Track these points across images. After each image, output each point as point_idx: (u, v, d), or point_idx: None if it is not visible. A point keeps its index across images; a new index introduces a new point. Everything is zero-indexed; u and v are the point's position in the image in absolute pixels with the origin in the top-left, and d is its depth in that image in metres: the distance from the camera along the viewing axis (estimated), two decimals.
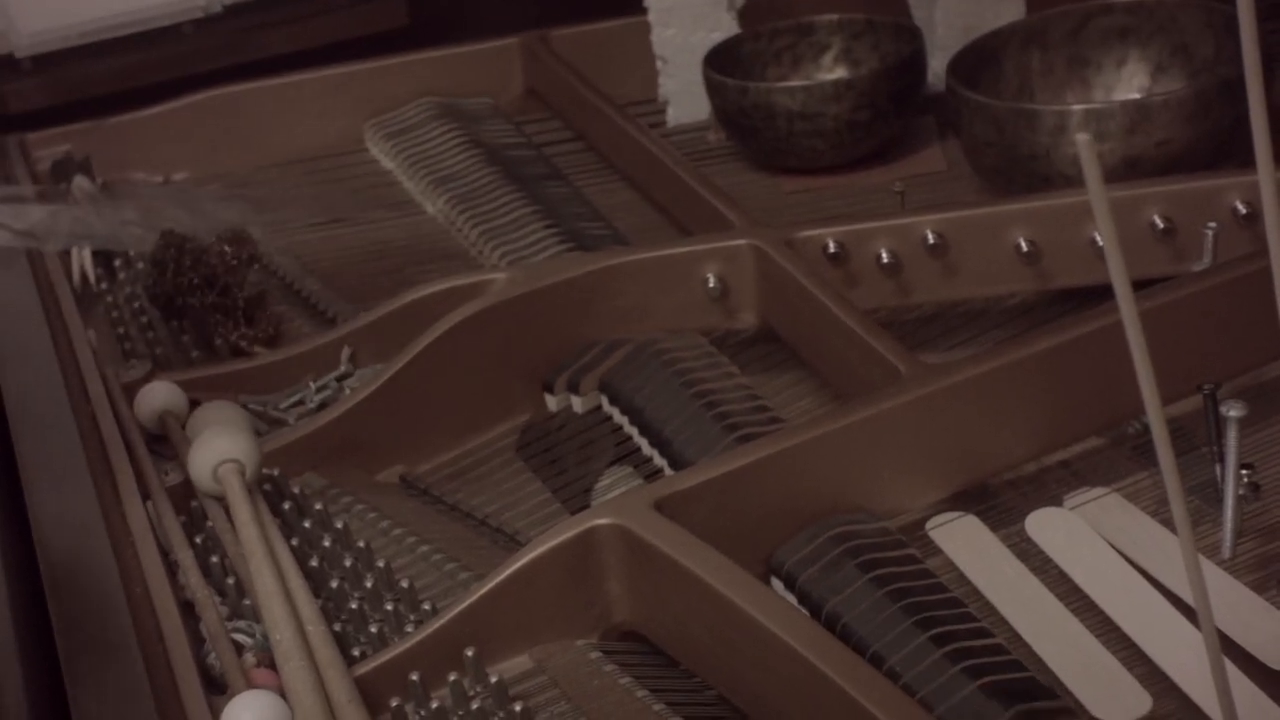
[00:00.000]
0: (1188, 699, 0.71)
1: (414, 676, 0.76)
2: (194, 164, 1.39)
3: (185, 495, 0.92)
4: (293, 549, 0.86)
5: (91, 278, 1.21)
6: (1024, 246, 1.00)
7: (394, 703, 0.75)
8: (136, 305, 1.18)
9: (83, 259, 1.22)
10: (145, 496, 0.90)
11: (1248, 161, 0.55)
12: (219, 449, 0.89)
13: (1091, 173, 0.47)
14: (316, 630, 0.78)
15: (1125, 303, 0.50)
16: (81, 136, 1.40)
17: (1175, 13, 1.16)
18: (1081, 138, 0.46)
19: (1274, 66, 1.03)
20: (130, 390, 1.01)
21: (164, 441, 0.98)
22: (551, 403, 1.02)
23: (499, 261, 1.17)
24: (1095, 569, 0.80)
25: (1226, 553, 0.80)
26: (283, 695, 0.74)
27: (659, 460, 0.94)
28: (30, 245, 1.20)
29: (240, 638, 0.80)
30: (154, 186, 1.37)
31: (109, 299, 1.20)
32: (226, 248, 1.12)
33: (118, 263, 1.24)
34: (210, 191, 1.35)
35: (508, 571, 0.78)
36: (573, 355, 1.03)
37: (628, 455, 0.97)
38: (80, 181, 1.32)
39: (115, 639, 0.76)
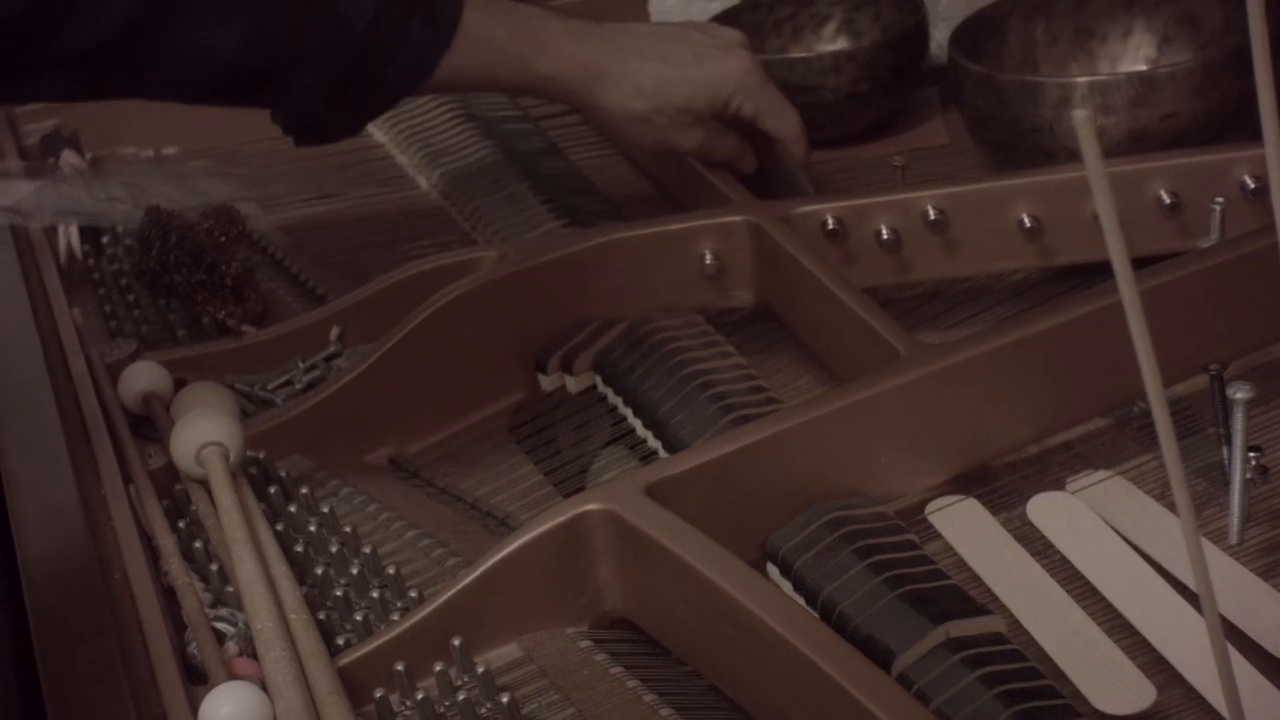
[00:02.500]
0: (1193, 690, 0.70)
1: (399, 666, 0.74)
2: (185, 139, 1.37)
3: (170, 479, 0.90)
4: (277, 534, 0.85)
5: (78, 254, 1.20)
6: (1027, 222, 0.98)
7: (378, 694, 0.73)
8: (123, 283, 1.16)
9: (69, 236, 1.20)
10: (127, 480, 0.89)
11: (1257, 135, 0.53)
12: (202, 431, 0.87)
13: (1089, 150, 0.45)
14: (299, 619, 0.76)
15: (1125, 283, 0.48)
16: (70, 111, 1.38)
17: None
18: (1079, 114, 0.44)
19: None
20: (114, 370, 0.99)
21: (150, 423, 0.96)
22: (545, 383, 1.00)
23: (492, 238, 1.15)
24: (1098, 554, 0.78)
25: (1234, 538, 0.78)
26: (264, 686, 0.72)
27: (653, 442, 0.92)
28: (15, 222, 1.18)
29: (222, 626, 0.78)
30: (143, 162, 1.35)
31: (96, 276, 1.18)
32: (213, 224, 1.10)
33: (105, 239, 1.22)
34: (200, 167, 1.33)
35: (495, 558, 0.76)
36: (566, 334, 1.00)
37: (624, 436, 0.95)
38: (68, 156, 1.31)
39: (92, 627, 0.74)
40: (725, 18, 1.29)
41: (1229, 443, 0.79)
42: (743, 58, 1.07)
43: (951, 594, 0.73)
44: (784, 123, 1.08)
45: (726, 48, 1.07)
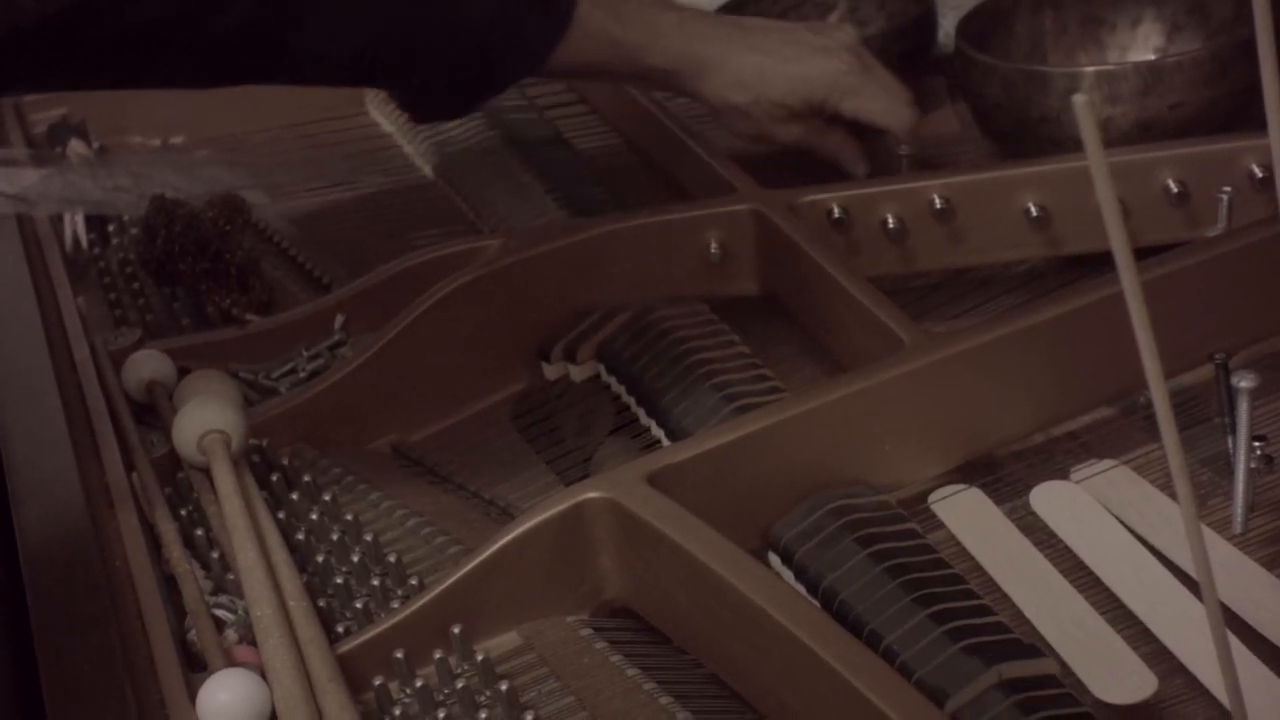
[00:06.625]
0: (1196, 680, 0.69)
1: (398, 654, 0.74)
2: (192, 127, 1.37)
3: (172, 467, 0.90)
4: (279, 522, 0.84)
5: (84, 243, 1.19)
6: (1034, 211, 0.98)
7: (377, 681, 0.73)
8: (129, 271, 1.16)
9: (75, 224, 1.20)
10: (130, 468, 0.88)
11: (1265, 124, 0.52)
12: (204, 419, 0.87)
13: (1090, 136, 0.44)
14: (299, 606, 0.76)
15: (1126, 272, 0.48)
16: (78, 99, 1.38)
17: None
18: (1078, 99, 0.44)
19: None
20: (118, 358, 0.99)
21: (153, 411, 0.96)
22: (548, 371, 1.00)
23: (497, 226, 1.15)
24: (1102, 544, 0.78)
25: (1238, 528, 0.78)
26: (264, 674, 0.72)
27: (656, 431, 0.92)
28: (21, 210, 1.18)
29: (222, 613, 0.78)
30: (150, 151, 1.35)
31: (101, 265, 1.18)
32: (218, 213, 1.10)
33: (111, 228, 1.22)
34: (206, 156, 1.33)
35: (495, 546, 0.76)
36: (570, 323, 1.00)
37: (627, 425, 0.95)
38: (75, 145, 1.31)
39: (92, 614, 0.74)
40: (732, 7, 1.28)
41: (1233, 432, 0.79)
42: (844, 59, 1.08)
43: (956, 588, 0.73)
44: (889, 121, 1.09)
45: (830, 49, 1.08)
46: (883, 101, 1.08)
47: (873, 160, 1.15)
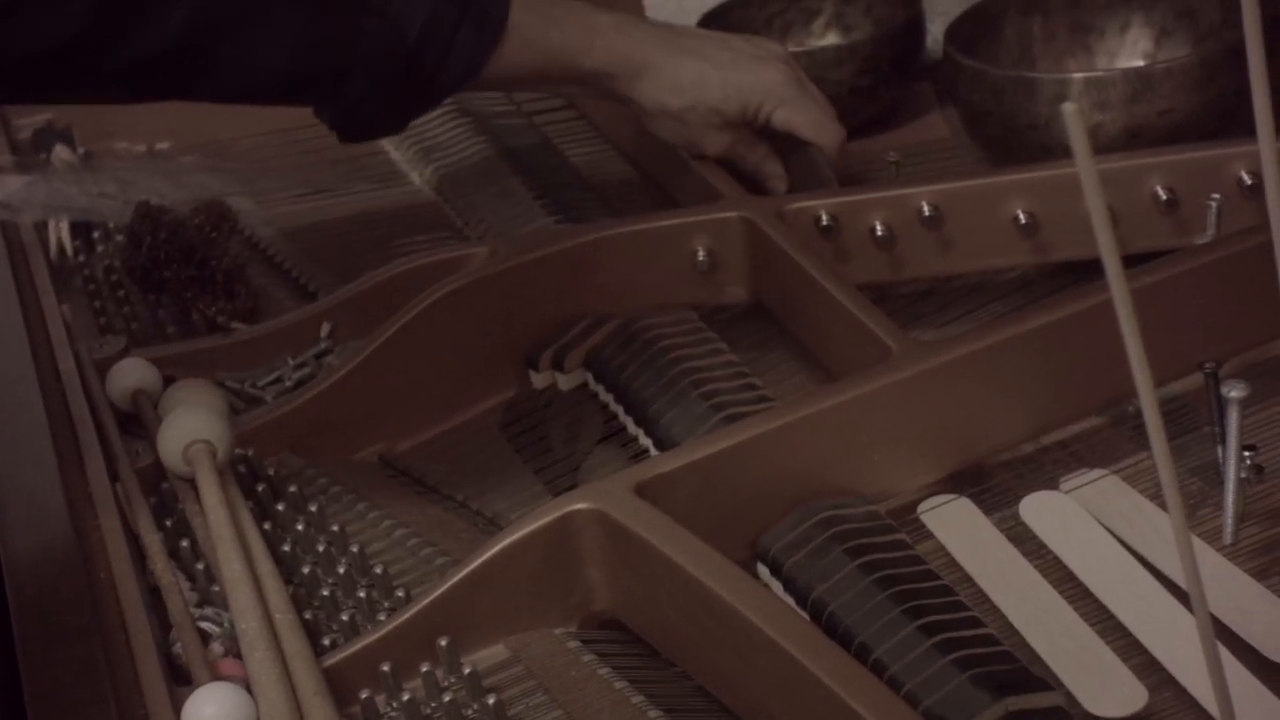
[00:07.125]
0: (1186, 692, 0.69)
1: (385, 667, 0.73)
2: (178, 133, 1.36)
3: (157, 477, 0.89)
4: (264, 533, 0.84)
5: (69, 250, 1.19)
6: (1022, 218, 0.97)
7: (364, 694, 0.72)
8: (114, 279, 1.15)
9: (60, 231, 1.19)
10: (114, 478, 0.88)
11: (1254, 130, 0.52)
12: (189, 429, 0.87)
13: (1079, 145, 0.44)
14: (285, 618, 0.75)
15: (1115, 280, 0.47)
16: (63, 106, 1.37)
17: None
18: (1068, 108, 0.43)
19: (1278, 30, 1.00)
20: (103, 367, 0.98)
21: (138, 421, 0.96)
22: (536, 380, 1.00)
23: (485, 234, 1.15)
24: (1091, 555, 0.77)
25: (1228, 538, 0.77)
26: (249, 687, 0.72)
27: (645, 440, 0.91)
28: (5, 216, 1.18)
29: (207, 626, 0.77)
30: (136, 157, 1.34)
31: (86, 272, 1.17)
32: (203, 219, 1.09)
33: (96, 235, 1.21)
34: (193, 162, 1.32)
35: (482, 558, 0.75)
36: (558, 331, 1.00)
37: (615, 434, 0.94)
38: (60, 151, 1.30)
39: (76, 626, 0.74)
40: (717, 13, 1.28)
41: (1223, 441, 0.78)
42: (779, 69, 1.07)
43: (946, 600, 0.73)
44: (820, 136, 1.08)
45: (765, 57, 1.08)
46: (814, 114, 1.08)
47: (862, 167, 1.14)
